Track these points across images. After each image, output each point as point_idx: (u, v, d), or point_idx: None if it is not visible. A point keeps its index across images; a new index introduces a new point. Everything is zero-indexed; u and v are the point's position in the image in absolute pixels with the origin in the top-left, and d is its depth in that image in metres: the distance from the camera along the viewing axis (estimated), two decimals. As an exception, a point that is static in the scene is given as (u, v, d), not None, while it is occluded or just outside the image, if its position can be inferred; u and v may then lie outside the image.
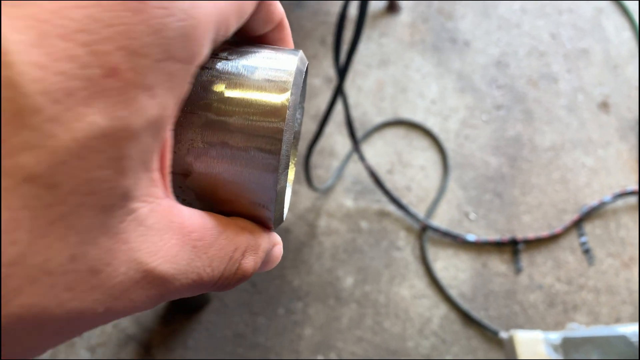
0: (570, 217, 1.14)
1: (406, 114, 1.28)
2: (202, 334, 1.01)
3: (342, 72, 0.91)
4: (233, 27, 0.17)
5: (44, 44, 0.11)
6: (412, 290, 1.06)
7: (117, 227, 0.14)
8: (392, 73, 1.36)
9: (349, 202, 1.15)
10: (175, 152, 0.17)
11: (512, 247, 1.11)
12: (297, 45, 1.39)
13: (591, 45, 1.42)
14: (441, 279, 1.07)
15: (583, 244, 1.11)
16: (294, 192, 1.16)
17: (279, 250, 0.21)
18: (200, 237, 0.17)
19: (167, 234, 0.15)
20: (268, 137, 0.17)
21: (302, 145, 1.17)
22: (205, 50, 0.15)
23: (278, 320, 1.02)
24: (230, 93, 0.17)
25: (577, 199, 1.17)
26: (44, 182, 0.12)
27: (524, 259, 1.10)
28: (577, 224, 1.14)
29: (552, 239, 1.12)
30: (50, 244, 0.12)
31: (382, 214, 1.14)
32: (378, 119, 1.27)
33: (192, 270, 0.16)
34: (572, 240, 1.12)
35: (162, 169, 0.16)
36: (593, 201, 1.16)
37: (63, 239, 0.12)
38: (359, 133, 1.23)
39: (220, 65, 0.18)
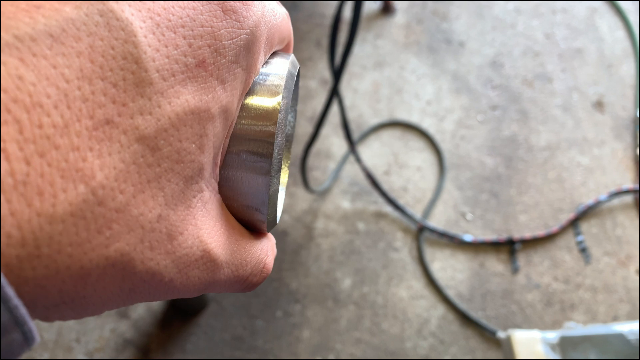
0: (566, 216, 1.15)
1: (402, 115, 1.28)
2: (200, 337, 1.01)
3: (337, 73, 0.91)
4: (273, 49, 0.20)
5: (158, 32, 0.14)
6: (409, 291, 1.06)
7: (191, 200, 0.15)
8: (387, 74, 1.36)
9: (345, 204, 1.15)
10: None
11: (509, 247, 1.11)
12: (293, 48, 1.39)
13: (585, 44, 1.43)
14: (439, 280, 1.07)
15: (579, 242, 1.12)
16: (290, 195, 1.16)
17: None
18: (240, 234, 0.18)
19: (219, 222, 0.17)
20: (260, 140, 0.17)
21: (299, 148, 1.17)
22: (259, 66, 0.18)
23: (276, 322, 1.02)
24: None
25: (573, 198, 1.18)
26: (150, 144, 0.14)
27: (521, 259, 1.10)
28: (574, 223, 1.14)
29: (549, 238, 1.12)
30: (145, 200, 0.13)
31: (379, 215, 1.14)
32: (374, 121, 1.27)
33: (233, 263, 0.17)
34: (569, 239, 1.13)
35: (220, 162, 0.17)
36: (589, 200, 1.16)
37: (155, 198, 0.14)
38: (355, 134, 1.23)
39: None
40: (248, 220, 0.19)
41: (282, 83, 0.18)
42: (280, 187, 0.23)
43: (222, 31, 0.15)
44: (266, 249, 0.20)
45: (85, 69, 0.12)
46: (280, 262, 1.08)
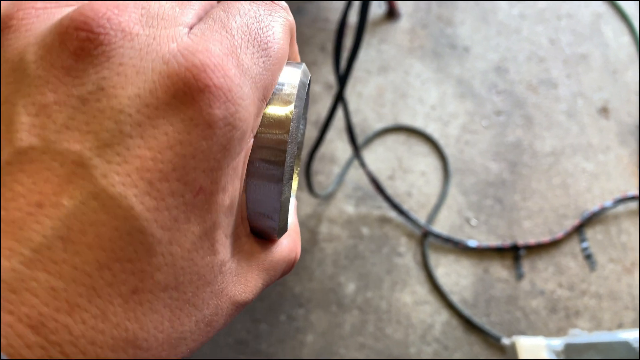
0: (571, 223, 1.14)
1: (406, 120, 1.28)
2: (204, 341, 1.00)
3: (342, 79, 0.91)
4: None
5: (152, 190, 0.14)
6: (413, 296, 1.06)
7: (222, 284, 0.17)
8: (391, 79, 1.36)
9: (350, 208, 1.15)
10: None
11: (513, 253, 1.11)
12: (297, 52, 1.39)
13: (590, 50, 1.42)
14: (443, 285, 1.06)
15: (584, 249, 1.11)
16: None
17: None
18: (273, 266, 0.20)
19: (250, 274, 0.19)
20: (272, 148, 0.18)
21: (303, 152, 1.17)
22: (253, 133, 0.18)
23: (280, 327, 1.02)
24: None
25: (577, 204, 1.17)
26: (172, 285, 0.15)
27: (526, 265, 1.10)
28: (578, 230, 1.14)
29: (554, 244, 1.12)
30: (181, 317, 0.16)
31: (383, 220, 1.14)
32: (378, 125, 1.27)
33: (265, 283, 0.20)
34: (574, 245, 1.12)
35: (238, 227, 0.18)
36: (594, 206, 1.16)
37: (190, 310, 0.17)
38: (360, 139, 1.23)
39: None
40: (259, 227, 0.19)
41: (295, 92, 0.18)
42: (292, 195, 0.23)
43: (213, 148, 0.15)
44: (289, 249, 0.21)
45: (100, 258, 0.13)
46: (284, 266, 1.08)
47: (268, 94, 0.18)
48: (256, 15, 0.18)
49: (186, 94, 0.15)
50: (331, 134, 1.24)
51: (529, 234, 1.13)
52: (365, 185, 1.17)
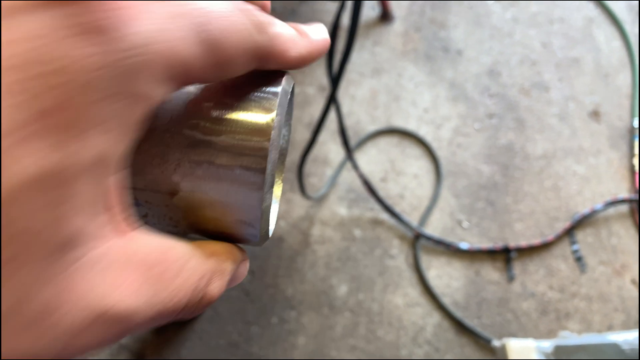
0: (562, 225, 1.15)
1: (399, 123, 1.29)
2: (196, 343, 1.00)
3: (335, 81, 0.91)
4: (202, 76, 0.16)
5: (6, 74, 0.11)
6: (405, 298, 1.06)
7: (64, 272, 0.13)
8: (385, 82, 1.36)
9: (342, 211, 1.15)
10: (162, 172, 0.18)
11: (504, 255, 1.11)
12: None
13: (582, 54, 1.43)
14: (434, 287, 1.07)
15: (575, 251, 1.12)
16: (287, 201, 1.16)
17: (244, 267, 0.20)
18: (163, 270, 0.16)
19: (126, 272, 0.15)
20: (253, 156, 0.18)
21: (296, 154, 1.17)
22: (160, 91, 0.15)
23: (272, 329, 1.02)
24: (216, 113, 0.18)
25: (568, 207, 1.18)
26: None
27: (517, 267, 1.10)
28: (569, 232, 1.14)
29: (545, 247, 1.13)
30: None
31: (376, 222, 1.14)
32: (371, 128, 1.27)
33: (155, 303, 0.15)
34: (564, 248, 1.13)
35: (114, 206, 0.15)
36: (585, 209, 1.17)
37: (8, 286, 0.12)
38: (353, 141, 1.23)
39: (206, 86, 0.18)
40: (240, 234, 0.19)
41: (276, 100, 0.18)
42: (274, 201, 0.23)
43: (83, 62, 0.12)
44: (208, 277, 0.17)
45: None
46: (276, 268, 1.08)
47: (224, 59, 0.16)
48: None
49: None
50: (324, 136, 1.24)
51: (521, 236, 1.14)
52: (357, 187, 1.17)
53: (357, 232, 1.13)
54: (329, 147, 1.24)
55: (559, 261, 1.11)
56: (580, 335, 0.93)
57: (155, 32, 0.14)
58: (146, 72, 0.14)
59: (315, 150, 1.22)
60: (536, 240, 1.13)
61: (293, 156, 1.19)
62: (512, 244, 1.12)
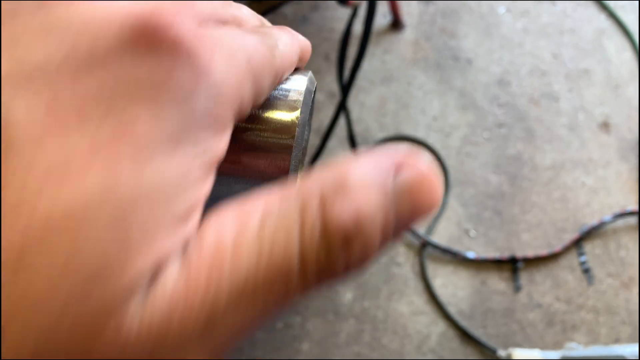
0: (570, 236, 1.14)
1: (408, 130, 1.29)
2: (200, 346, 1.01)
3: (345, 88, 0.92)
4: (247, 109, 0.16)
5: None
6: (410, 306, 1.06)
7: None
8: (394, 89, 1.37)
9: (349, 217, 1.16)
10: None
11: (511, 265, 1.11)
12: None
13: (592, 65, 1.43)
14: (440, 296, 1.07)
15: (582, 263, 1.12)
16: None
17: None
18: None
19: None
20: (278, 152, 0.18)
21: (305, 160, 1.18)
22: (232, 116, 0.15)
23: (276, 334, 1.02)
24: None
25: (576, 218, 1.17)
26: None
27: (523, 277, 1.10)
28: (577, 243, 1.14)
29: (552, 257, 1.12)
30: None
31: (382, 230, 1.14)
32: (380, 135, 1.27)
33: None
34: (572, 259, 1.12)
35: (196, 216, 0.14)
36: (593, 220, 1.16)
37: None
38: (361, 148, 1.24)
39: None
40: None
41: (301, 99, 0.19)
42: None
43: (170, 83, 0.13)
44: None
45: None
46: (283, 273, 1.08)
47: (260, 90, 0.16)
48: (271, 32, 0.18)
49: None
50: (333, 143, 1.24)
51: (528, 246, 1.13)
52: (365, 194, 1.17)
53: (364, 239, 1.13)
54: (338, 153, 1.24)
55: (566, 272, 1.11)
56: (587, 347, 0.93)
57: (225, 73, 0.14)
58: (222, 111, 0.14)
59: (324, 157, 1.22)
60: (543, 251, 1.12)
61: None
62: (519, 254, 1.12)
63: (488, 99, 1.36)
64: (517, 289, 1.09)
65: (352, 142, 1.03)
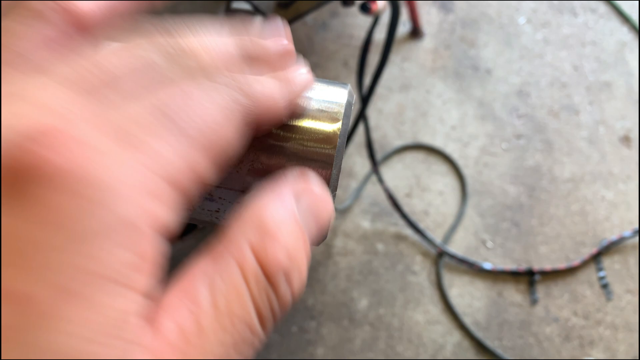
0: (588, 251, 1.13)
1: (426, 139, 1.28)
2: (214, 348, 1.01)
3: (366, 96, 0.92)
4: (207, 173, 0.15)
5: None
6: (426, 315, 1.05)
7: None
8: (413, 97, 1.37)
9: (366, 224, 1.15)
10: (237, 171, 0.19)
11: (528, 278, 1.10)
12: (321, 67, 1.41)
13: (614, 78, 1.42)
14: (456, 306, 1.06)
15: (601, 278, 1.10)
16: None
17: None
18: None
19: None
20: (321, 161, 0.19)
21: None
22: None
23: (291, 337, 1.02)
24: (288, 121, 0.19)
25: (596, 232, 1.16)
26: None
27: (540, 290, 1.09)
28: (596, 258, 1.12)
29: (570, 271, 1.11)
30: None
31: (399, 237, 1.14)
32: (398, 142, 1.27)
33: None
34: (590, 274, 1.11)
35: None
36: (612, 235, 1.15)
37: None
38: (379, 155, 1.23)
39: None
40: None
41: (342, 110, 0.20)
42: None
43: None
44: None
45: None
46: (298, 278, 1.08)
47: (183, 186, 0.14)
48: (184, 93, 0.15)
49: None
50: (350, 149, 1.24)
51: (545, 259, 1.12)
52: (382, 201, 1.17)
53: (380, 246, 1.13)
54: (355, 159, 1.24)
55: (585, 287, 1.09)
56: (605, 363, 0.91)
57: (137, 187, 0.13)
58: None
59: (342, 162, 1.22)
60: (561, 265, 1.11)
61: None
62: (536, 266, 1.11)
63: (507, 109, 1.36)
64: (533, 301, 1.07)
65: (370, 149, 1.03)
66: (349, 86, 0.21)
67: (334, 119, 0.20)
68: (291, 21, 0.57)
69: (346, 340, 1.02)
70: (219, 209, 0.20)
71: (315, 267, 1.09)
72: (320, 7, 0.55)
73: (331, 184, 0.19)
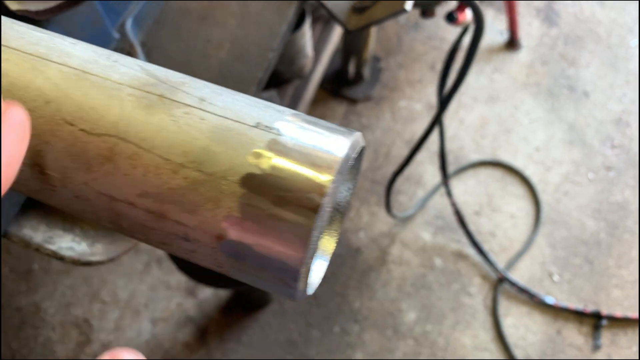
0: (668, 304, 1.03)
1: (506, 157, 1.22)
2: (257, 332, 1.02)
3: (443, 102, 0.89)
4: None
5: None
6: (474, 340, 1.01)
7: None
8: (498, 111, 1.30)
9: (426, 236, 1.12)
10: (213, 217, 0.18)
11: (594, 321, 1.02)
12: (406, 67, 1.37)
13: None
14: (508, 336, 1.00)
15: (678, 336, 1.00)
16: (371, 214, 1.14)
17: None
18: None
19: None
20: (302, 215, 0.17)
21: (389, 169, 1.15)
22: None
23: (332, 337, 1.01)
24: (271, 170, 0.18)
25: (681, 285, 1.06)
26: None
27: (605, 337, 1.01)
28: (676, 313, 1.02)
29: (643, 322, 1.02)
30: None
31: (460, 256, 1.09)
32: (474, 156, 1.22)
33: None
34: (666, 329, 1.01)
35: None
36: (700, 292, 1.04)
37: None
38: (452, 167, 1.19)
39: (271, 139, 0.18)
40: (278, 290, 0.20)
41: (336, 166, 0.18)
42: (323, 257, 0.24)
43: None
44: None
45: None
46: (348, 278, 1.07)
47: None
48: None
49: None
50: (422, 156, 1.21)
51: (617, 304, 1.04)
52: (448, 215, 1.13)
53: (438, 262, 1.09)
54: (426, 167, 1.20)
55: (657, 342, 1.00)
56: None
57: None
58: None
59: (410, 169, 1.19)
60: (634, 313, 1.02)
61: (385, 170, 1.17)
62: (605, 310, 1.02)
63: (600, 137, 1.26)
64: (595, 347, 1.00)
65: (443, 159, 0.99)
66: (355, 136, 0.19)
67: (325, 171, 0.18)
68: (363, 28, 0.56)
69: (387, 350, 1.00)
70: (195, 249, 0.19)
71: (367, 271, 1.08)
72: (396, 16, 0.53)
73: (310, 243, 0.18)
